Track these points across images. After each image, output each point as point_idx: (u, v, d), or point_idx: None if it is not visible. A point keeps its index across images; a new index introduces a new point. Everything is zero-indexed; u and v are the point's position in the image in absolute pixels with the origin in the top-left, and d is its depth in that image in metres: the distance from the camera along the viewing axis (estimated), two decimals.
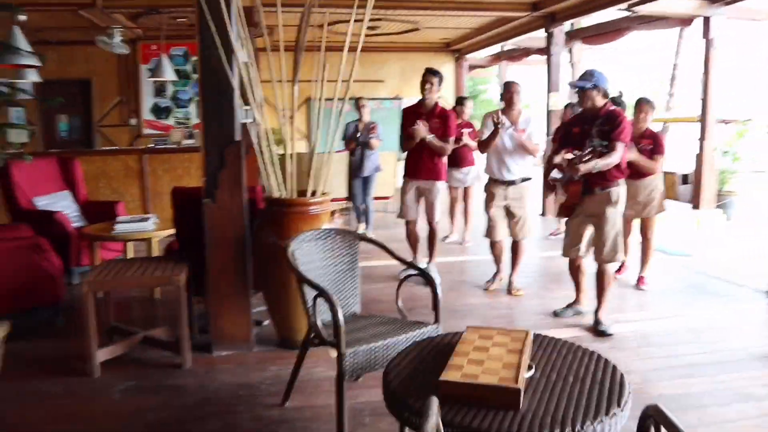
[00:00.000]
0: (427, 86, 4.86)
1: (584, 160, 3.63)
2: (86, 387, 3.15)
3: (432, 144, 4.82)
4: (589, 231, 3.96)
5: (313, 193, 3.61)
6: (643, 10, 7.45)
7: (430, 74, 4.90)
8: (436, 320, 2.69)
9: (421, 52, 11.82)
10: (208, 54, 3.30)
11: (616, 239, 3.81)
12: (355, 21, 3.58)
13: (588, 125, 3.79)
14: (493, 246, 4.90)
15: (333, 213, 3.61)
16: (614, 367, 1.95)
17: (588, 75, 3.76)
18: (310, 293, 2.67)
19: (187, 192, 3.89)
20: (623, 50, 12.10)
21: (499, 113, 4.55)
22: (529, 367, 1.90)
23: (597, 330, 3.89)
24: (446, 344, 2.19)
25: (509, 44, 11.53)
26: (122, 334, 3.61)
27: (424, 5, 7.80)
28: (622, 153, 3.68)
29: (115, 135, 9.99)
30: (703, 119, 7.82)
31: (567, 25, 8.98)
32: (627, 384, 1.82)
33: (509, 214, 4.72)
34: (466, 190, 6.98)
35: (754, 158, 9.62)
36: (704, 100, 7.75)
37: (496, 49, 12.07)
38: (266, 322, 3.96)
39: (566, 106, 6.37)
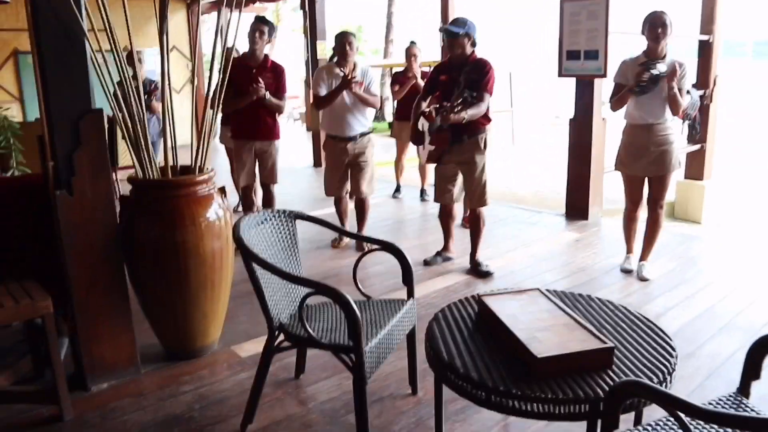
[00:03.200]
0: (257, 35, 4.38)
1: (455, 110, 3.64)
2: None
3: (270, 103, 4.42)
4: (459, 178, 4.07)
5: (200, 169, 2.94)
6: None
7: (260, 23, 4.43)
8: (410, 295, 2.50)
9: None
10: None
11: (486, 184, 4.00)
12: None
13: (456, 73, 3.81)
14: (339, 202, 4.75)
15: (222, 190, 2.98)
16: (628, 309, 2.14)
17: (460, 22, 3.76)
18: (276, 291, 2.24)
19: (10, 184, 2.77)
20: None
21: (336, 68, 4.43)
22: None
23: (479, 271, 4.11)
24: (470, 317, 2.08)
25: None
26: None
27: None
28: (489, 102, 3.80)
29: None
30: None
31: None
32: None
33: (354, 169, 4.58)
34: None
35: None
36: None
37: None
38: None
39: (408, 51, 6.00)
